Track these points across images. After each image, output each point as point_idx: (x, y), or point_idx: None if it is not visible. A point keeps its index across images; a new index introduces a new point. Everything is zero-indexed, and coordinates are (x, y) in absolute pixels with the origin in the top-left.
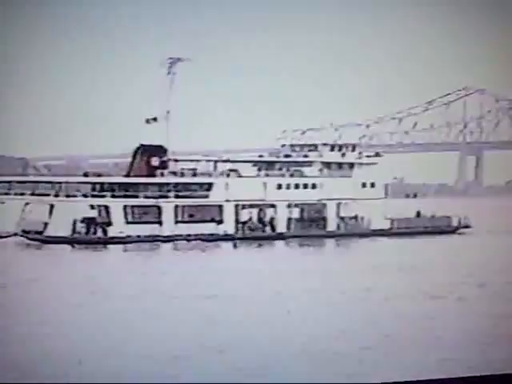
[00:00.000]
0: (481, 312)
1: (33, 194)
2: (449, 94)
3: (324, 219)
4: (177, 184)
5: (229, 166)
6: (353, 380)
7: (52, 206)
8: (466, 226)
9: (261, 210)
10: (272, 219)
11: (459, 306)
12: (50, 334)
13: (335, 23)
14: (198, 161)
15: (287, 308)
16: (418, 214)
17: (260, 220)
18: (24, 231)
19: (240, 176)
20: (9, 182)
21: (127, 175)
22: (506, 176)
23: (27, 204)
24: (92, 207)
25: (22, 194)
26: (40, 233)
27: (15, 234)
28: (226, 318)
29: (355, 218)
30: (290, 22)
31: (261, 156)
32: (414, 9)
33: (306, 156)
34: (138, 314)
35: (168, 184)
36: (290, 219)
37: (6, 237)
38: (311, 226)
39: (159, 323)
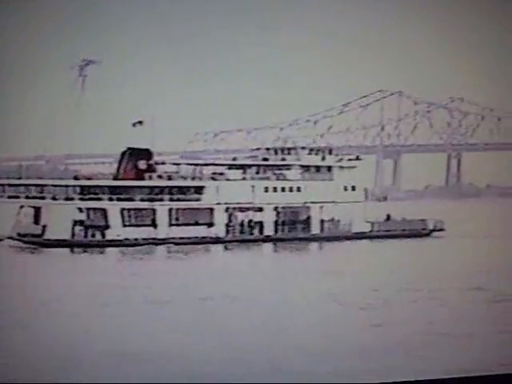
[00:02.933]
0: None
1: (28, 198)
2: (365, 96)
3: (308, 222)
4: (170, 187)
5: (211, 169)
6: (351, 380)
7: (45, 210)
8: (441, 229)
9: (250, 212)
10: (260, 222)
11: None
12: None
13: (249, 26)
14: (179, 164)
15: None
16: (388, 218)
17: (249, 223)
18: (20, 234)
19: (228, 179)
20: (1, 185)
21: (115, 178)
22: (425, 180)
23: (22, 207)
24: (80, 210)
25: (16, 197)
26: (38, 236)
27: (9, 238)
28: (223, 318)
29: (338, 220)
30: (203, 25)
31: (234, 159)
32: (330, 11)
33: (283, 159)
34: (137, 315)
35: (161, 187)
36: (277, 222)
37: None
38: (297, 228)
39: (159, 323)
